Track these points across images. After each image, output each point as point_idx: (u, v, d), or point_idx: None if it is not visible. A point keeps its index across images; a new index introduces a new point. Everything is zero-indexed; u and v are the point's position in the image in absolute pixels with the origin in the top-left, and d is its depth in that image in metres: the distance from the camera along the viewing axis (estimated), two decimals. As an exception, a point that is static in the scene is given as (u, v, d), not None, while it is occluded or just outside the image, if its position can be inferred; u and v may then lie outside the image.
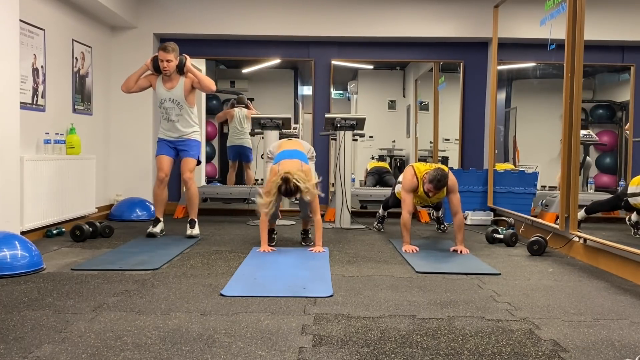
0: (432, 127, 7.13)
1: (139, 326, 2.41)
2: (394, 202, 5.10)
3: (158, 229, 4.79)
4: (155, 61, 4.72)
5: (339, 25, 6.40)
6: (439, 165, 4.57)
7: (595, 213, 4.91)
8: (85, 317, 2.54)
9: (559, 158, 4.35)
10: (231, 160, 7.47)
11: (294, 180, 3.96)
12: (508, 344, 2.27)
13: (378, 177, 7.33)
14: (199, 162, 4.95)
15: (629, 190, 4.39)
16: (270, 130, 5.77)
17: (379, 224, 5.46)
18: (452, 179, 4.35)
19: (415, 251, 4.22)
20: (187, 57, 4.77)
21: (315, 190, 4.11)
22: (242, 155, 7.42)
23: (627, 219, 4.70)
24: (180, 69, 4.72)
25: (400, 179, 4.77)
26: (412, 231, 4.91)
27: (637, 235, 4.55)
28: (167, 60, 4.62)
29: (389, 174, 7.41)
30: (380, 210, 5.49)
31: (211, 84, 4.79)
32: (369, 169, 7.49)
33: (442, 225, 5.36)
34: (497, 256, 4.17)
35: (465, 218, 5.89)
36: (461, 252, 4.22)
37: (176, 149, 4.87)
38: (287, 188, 3.97)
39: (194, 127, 4.90)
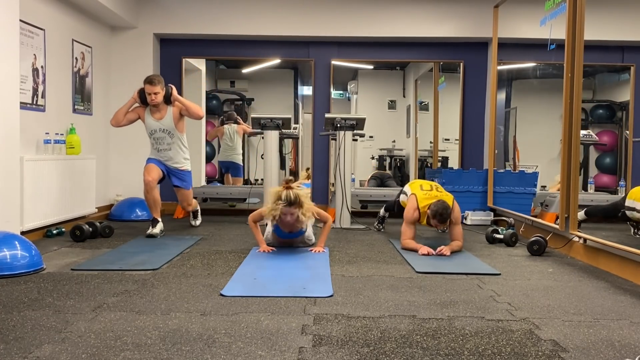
0: (432, 127, 7.13)
1: (139, 326, 2.41)
2: (398, 209, 4.95)
3: (157, 229, 4.79)
4: (142, 94, 4.82)
5: (339, 25, 6.40)
6: (442, 194, 4.41)
7: (594, 216, 4.91)
8: (85, 317, 2.54)
9: (559, 158, 4.35)
10: (224, 172, 7.52)
11: (296, 188, 3.92)
12: (508, 344, 2.27)
13: (380, 182, 7.36)
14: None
15: (627, 203, 4.37)
16: (270, 130, 5.76)
17: (379, 224, 5.46)
18: (456, 211, 4.27)
19: (430, 253, 4.08)
20: (173, 87, 4.88)
21: (311, 214, 4.05)
22: (232, 170, 7.46)
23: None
24: (167, 99, 4.83)
25: (405, 189, 4.72)
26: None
27: (637, 235, 4.55)
28: (155, 93, 4.74)
29: (391, 179, 7.45)
30: (382, 211, 5.48)
31: (199, 111, 4.92)
32: (372, 174, 7.54)
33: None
34: (497, 256, 4.17)
35: (465, 218, 5.90)
36: (441, 251, 4.08)
37: (168, 169, 4.98)
38: (288, 195, 3.87)
39: (186, 154, 5.04)
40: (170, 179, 5.04)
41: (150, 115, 4.85)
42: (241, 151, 7.44)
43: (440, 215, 4.14)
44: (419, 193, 4.39)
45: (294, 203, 3.89)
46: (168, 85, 4.86)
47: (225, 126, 7.44)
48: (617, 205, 4.67)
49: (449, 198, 4.32)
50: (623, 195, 4.72)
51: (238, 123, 7.44)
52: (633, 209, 4.30)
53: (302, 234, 4.26)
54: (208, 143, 7.76)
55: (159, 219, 4.87)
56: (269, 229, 4.27)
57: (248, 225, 5.60)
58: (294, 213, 3.91)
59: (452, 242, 4.28)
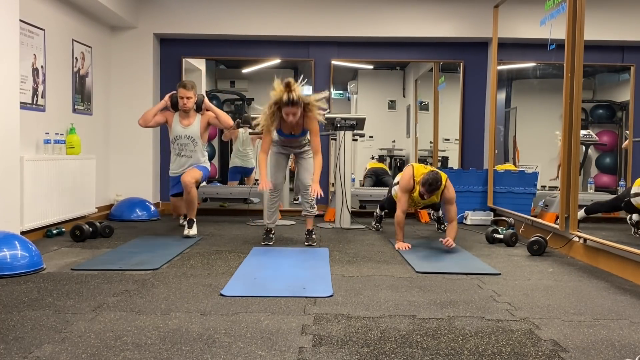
0: (432, 127, 7.13)
1: (139, 326, 2.41)
2: (390, 204, 5.03)
3: (194, 230, 4.79)
4: (173, 97, 4.85)
5: (339, 25, 6.40)
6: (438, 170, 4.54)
7: (595, 213, 4.91)
8: (85, 317, 2.54)
9: (559, 158, 4.35)
10: (232, 181, 7.35)
11: (297, 89, 3.93)
12: (508, 344, 2.27)
13: (376, 179, 7.33)
14: (200, 182, 4.98)
15: (633, 190, 4.38)
16: (270, 130, 5.75)
17: (377, 224, 5.46)
18: (450, 190, 4.34)
19: (407, 248, 4.27)
20: (205, 96, 4.94)
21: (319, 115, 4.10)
22: (244, 174, 7.36)
23: (628, 217, 4.70)
24: (199, 107, 4.88)
25: (396, 179, 4.77)
26: (412, 231, 4.93)
27: (637, 235, 4.55)
28: (187, 97, 4.77)
29: (387, 175, 7.41)
30: (377, 210, 5.49)
31: (229, 120, 4.94)
32: (367, 169, 7.48)
33: (442, 225, 5.36)
34: (497, 256, 4.17)
35: (465, 218, 5.90)
36: (447, 242, 4.19)
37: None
38: (290, 97, 3.90)
39: (204, 159, 5.01)
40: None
41: (179, 121, 4.88)
42: (252, 156, 7.31)
43: (429, 185, 4.18)
44: (415, 165, 4.52)
45: (296, 103, 3.95)
46: (200, 94, 4.93)
47: (240, 130, 7.36)
48: (619, 197, 4.67)
49: (442, 175, 4.37)
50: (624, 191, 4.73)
51: (253, 127, 7.33)
52: (638, 194, 4.30)
53: (304, 134, 4.30)
54: (208, 143, 7.75)
55: (194, 219, 4.83)
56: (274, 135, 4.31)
57: (249, 224, 5.63)
58: (296, 113, 3.98)
59: (449, 228, 4.32)
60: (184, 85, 4.78)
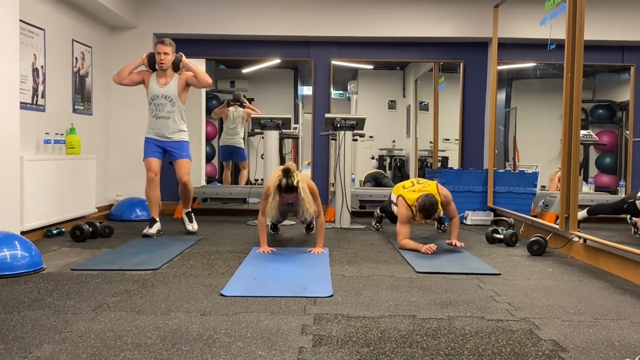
0: (432, 127, 7.13)
1: (139, 326, 2.41)
2: (391, 215, 4.95)
3: (154, 229, 4.78)
4: (151, 57, 4.78)
5: (339, 25, 6.40)
6: (423, 184, 4.47)
7: (597, 214, 4.90)
8: (85, 317, 2.54)
9: (559, 158, 4.35)
10: (224, 161, 7.44)
11: (295, 174, 3.89)
12: (508, 344, 2.27)
13: (375, 184, 7.33)
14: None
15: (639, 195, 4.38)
16: (270, 130, 5.76)
17: (377, 224, 5.46)
18: (444, 193, 4.41)
19: (432, 250, 4.12)
20: (183, 54, 4.84)
21: (310, 196, 4.00)
22: (235, 154, 7.39)
23: (628, 217, 4.69)
24: (176, 66, 4.78)
25: (393, 196, 4.70)
26: (412, 231, 4.92)
27: (638, 235, 4.54)
28: (165, 53, 4.71)
29: (386, 178, 7.43)
30: (377, 210, 5.48)
31: (207, 78, 4.82)
32: (365, 177, 7.49)
33: (442, 225, 5.36)
34: (497, 256, 4.17)
35: (465, 218, 5.90)
36: (455, 244, 4.28)
37: (165, 149, 4.88)
38: (288, 183, 3.86)
39: (183, 126, 4.90)
40: (170, 156, 4.90)
41: (156, 80, 4.78)
42: (242, 135, 7.33)
43: (426, 210, 4.20)
44: (404, 192, 4.45)
45: (295, 189, 3.89)
46: (178, 53, 4.84)
47: (230, 108, 7.31)
48: (624, 199, 4.67)
49: (431, 187, 4.40)
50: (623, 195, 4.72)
51: (243, 106, 7.26)
52: None
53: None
54: (208, 143, 7.75)
55: (157, 219, 4.87)
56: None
57: (249, 224, 5.62)
58: (295, 197, 3.93)
59: (452, 227, 4.37)
60: (161, 42, 4.71)
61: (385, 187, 6.89)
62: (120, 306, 2.71)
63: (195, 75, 4.76)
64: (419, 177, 7.16)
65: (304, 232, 5.05)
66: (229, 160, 7.44)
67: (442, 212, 4.57)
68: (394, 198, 4.66)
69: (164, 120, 4.80)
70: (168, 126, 4.81)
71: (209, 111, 7.68)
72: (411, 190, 4.44)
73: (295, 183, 3.88)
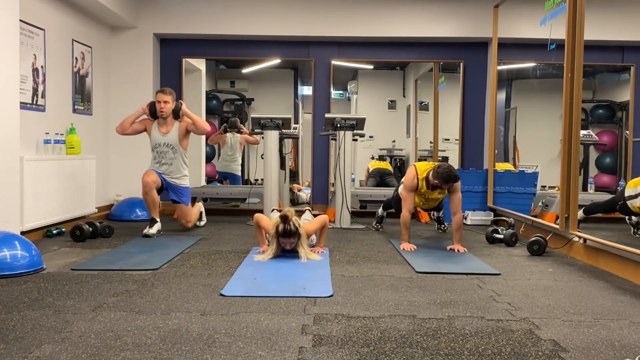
0: (432, 127, 7.12)
1: (139, 326, 2.41)
2: (397, 204, 5.00)
3: (154, 229, 4.80)
4: (152, 106, 4.92)
5: (339, 25, 6.40)
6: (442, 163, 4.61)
7: (593, 214, 4.91)
8: (85, 317, 2.54)
9: (559, 158, 4.35)
10: (222, 181, 7.46)
11: (294, 220, 3.83)
12: (508, 344, 2.27)
13: (379, 180, 7.30)
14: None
15: (627, 193, 4.37)
16: (270, 130, 5.76)
17: (377, 224, 5.46)
18: (459, 184, 4.45)
19: (413, 249, 4.27)
20: (183, 102, 4.95)
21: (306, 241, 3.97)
22: (231, 180, 7.39)
23: (627, 217, 4.69)
24: (176, 114, 4.91)
25: (403, 180, 4.79)
26: (412, 231, 4.93)
27: (637, 235, 4.54)
28: (165, 102, 4.85)
29: (391, 176, 7.39)
30: (380, 210, 5.49)
31: (206, 126, 4.99)
32: (370, 170, 7.46)
33: (442, 225, 5.36)
34: (497, 256, 4.17)
35: (465, 218, 5.90)
36: (458, 250, 4.27)
37: (166, 182, 5.02)
38: (285, 228, 3.80)
39: (186, 170, 5.08)
40: (168, 193, 5.10)
41: (157, 129, 4.94)
42: (240, 162, 7.39)
43: (447, 176, 4.22)
44: (418, 164, 4.58)
45: (293, 234, 3.84)
46: (178, 100, 4.97)
47: (228, 135, 7.32)
48: (615, 199, 4.66)
49: None
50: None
51: (241, 132, 7.29)
52: (632, 197, 4.30)
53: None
54: (208, 144, 7.75)
55: (157, 219, 4.89)
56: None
57: (249, 224, 5.62)
58: (293, 242, 3.88)
59: (455, 227, 4.36)
60: (162, 91, 4.86)
61: (387, 187, 6.88)
62: (120, 306, 2.71)
63: (194, 122, 4.89)
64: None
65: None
66: (225, 181, 7.46)
67: (440, 214, 4.58)
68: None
69: (167, 166, 4.99)
70: (171, 171, 4.99)
71: (209, 111, 7.69)
72: (426, 165, 4.54)
73: (295, 229, 3.81)
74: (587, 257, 4.00)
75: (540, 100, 7.06)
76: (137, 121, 4.96)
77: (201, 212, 5.51)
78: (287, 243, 3.89)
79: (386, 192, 6.38)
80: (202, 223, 5.49)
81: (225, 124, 7.36)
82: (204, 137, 7.44)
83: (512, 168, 6.63)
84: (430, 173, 4.37)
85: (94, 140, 5.90)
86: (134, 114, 4.98)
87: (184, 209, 5.06)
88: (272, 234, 3.89)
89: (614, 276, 3.56)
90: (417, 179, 4.46)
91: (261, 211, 5.84)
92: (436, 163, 4.55)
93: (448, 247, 4.38)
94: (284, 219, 3.82)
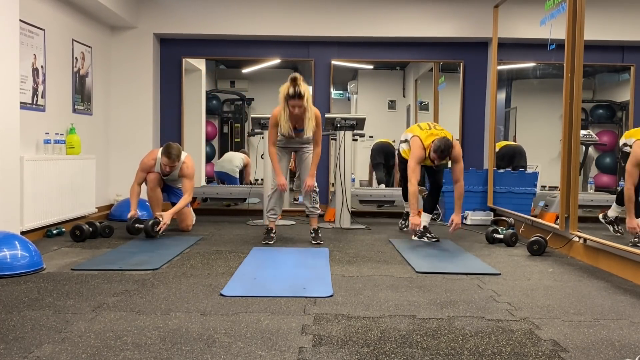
0: (432, 127, 7.11)
1: (139, 326, 2.41)
2: (403, 174, 5.04)
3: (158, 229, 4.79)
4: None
5: (339, 25, 6.40)
6: (440, 129, 4.69)
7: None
8: (85, 317, 2.54)
9: (559, 158, 4.35)
10: (220, 182, 7.50)
11: (301, 83, 4.26)
12: (508, 344, 2.27)
13: (384, 158, 7.13)
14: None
15: (621, 142, 4.36)
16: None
17: (403, 222, 5.46)
18: (457, 149, 4.58)
19: (419, 227, 4.53)
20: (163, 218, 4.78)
21: (314, 109, 4.41)
22: (225, 181, 7.41)
23: (601, 216, 4.62)
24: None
25: (404, 136, 4.94)
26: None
27: (619, 234, 4.51)
28: (171, 167, 4.84)
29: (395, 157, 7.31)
30: (405, 205, 5.35)
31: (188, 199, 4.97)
32: (374, 148, 7.27)
33: (436, 213, 5.28)
34: (497, 256, 4.17)
35: (465, 218, 5.91)
36: (455, 224, 4.52)
37: (168, 187, 5.11)
38: (295, 90, 4.22)
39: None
40: (169, 197, 5.13)
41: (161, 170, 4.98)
42: (239, 170, 7.46)
43: (441, 151, 4.41)
44: (421, 133, 4.64)
45: (301, 96, 4.26)
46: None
47: (236, 154, 7.64)
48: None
49: (448, 135, 4.59)
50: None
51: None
52: (625, 145, 4.28)
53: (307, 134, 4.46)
54: (208, 143, 7.75)
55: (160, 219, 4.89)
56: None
57: (249, 224, 5.62)
58: (301, 105, 4.28)
59: (456, 196, 4.60)
60: (168, 155, 4.74)
61: (389, 188, 6.87)
62: (120, 306, 2.71)
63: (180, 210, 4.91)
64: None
65: (310, 231, 5.05)
66: (222, 182, 7.50)
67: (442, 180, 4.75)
68: (408, 137, 4.80)
69: (170, 182, 5.08)
70: (173, 180, 5.06)
71: (209, 111, 7.69)
72: (428, 133, 4.61)
73: (302, 91, 4.25)
74: (587, 257, 4.00)
75: (540, 100, 7.06)
76: (141, 172, 4.92)
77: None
78: (295, 105, 4.26)
79: (386, 193, 6.38)
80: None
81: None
82: (204, 137, 7.46)
83: (512, 144, 6.60)
84: (432, 147, 4.49)
85: (94, 140, 5.90)
86: (134, 180, 4.94)
87: (184, 212, 5.05)
88: (282, 99, 4.30)
89: (614, 276, 3.56)
90: (424, 149, 4.56)
91: (261, 211, 5.86)
92: (435, 130, 4.62)
93: (448, 223, 4.58)
94: (294, 80, 4.26)
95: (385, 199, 6.36)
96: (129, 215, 4.80)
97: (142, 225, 4.66)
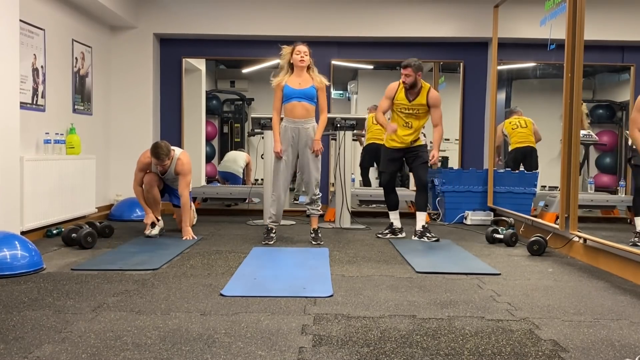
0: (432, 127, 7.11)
1: (139, 326, 2.41)
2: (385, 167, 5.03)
3: (156, 230, 4.80)
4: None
5: (339, 25, 6.40)
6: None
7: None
8: (85, 317, 2.54)
9: (559, 158, 4.35)
10: (223, 182, 7.50)
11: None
12: (508, 344, 2.27)
13: (374, 156, 6.82)
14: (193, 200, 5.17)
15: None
16: (270, 130, 5.74)
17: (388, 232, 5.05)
18: (436, 95, 4.77)
19: (395, 130, 4.71)
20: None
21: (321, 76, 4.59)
22: (230, 181, 7.41)
23: (630, 221, 4.53)
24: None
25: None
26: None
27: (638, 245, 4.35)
28: (163, 166, 4.75)
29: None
30: (390, 215, 5.09)
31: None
32: (366, 148, 7.09)
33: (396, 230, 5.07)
34: (497, 256, 4.17)
35: (465, 218, 5.91)
36: (434, 158, 4.71)
37: (169, 187, 5.04)
38: (300, 47, 4.48)
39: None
40: (170, 198, 5.10)
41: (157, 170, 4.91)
42: (242, 171, 7.47)
43: (407, 65, 4.64)
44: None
45: (306, 45, 4.53)
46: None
47: (238, 152, 7.72)
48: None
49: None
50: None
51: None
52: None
53: (312, 90, 4.54)
54: (208, 143, 7.76)
55: (159, 218, 4.89)
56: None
57: (249, 224, 5.62)
58: (307, 53, 4.50)
59: (435, 137, 4.81)
60: (156, 156, 4.62)
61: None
62: (120, 306, 2.71)
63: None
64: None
65: (310, 231, 5.05)
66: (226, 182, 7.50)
67: (425, 100, 4.78)
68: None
69: (169, 181, 5.01)
70: (173, 181, 4.99)
71: (209, 111, 7.69)
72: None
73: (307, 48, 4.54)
74: (587, 257, 4.00)
75: (540, 100, 7.06)
76: (139, 171, 4.83)
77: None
78: (301, 52, 4.50)
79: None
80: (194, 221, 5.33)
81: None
82: (204, 137, 7.46)
83: (525, 122, 6.46)
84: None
85: (94, 140, 5.90)
86: (134, 179, 4.86)
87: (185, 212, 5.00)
88: (287, 54, 4.52)
89: (614, 276, 3.56)
90: (398, 85, 4.74)
91: (261, 211, 5.86)
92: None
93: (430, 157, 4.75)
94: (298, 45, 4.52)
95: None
96: (146, 221, 4.80)
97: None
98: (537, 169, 6.25)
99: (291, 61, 4.54)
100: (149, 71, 6.41)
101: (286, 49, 4.56)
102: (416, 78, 4.66)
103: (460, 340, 2.30)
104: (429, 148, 5.01)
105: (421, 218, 4.81)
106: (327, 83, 4.63)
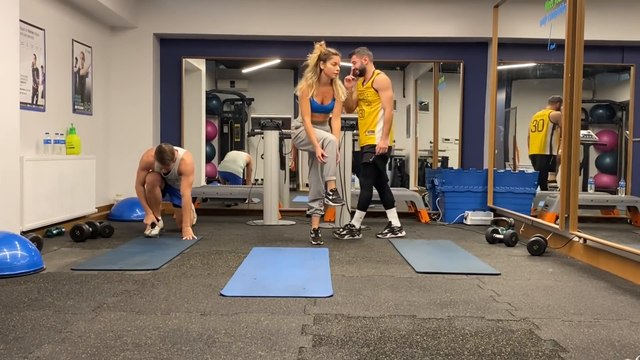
0: (432, 127, 7.13)
1: (139, 326, 2.41)
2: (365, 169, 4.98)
3: (156, 230, 4.80)
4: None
5: (339, 25, 6.40)
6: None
7: None
8: (85, 317, 2.54)
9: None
10: (223, 182, 7.51)
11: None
12: (508, 344, 2.27)
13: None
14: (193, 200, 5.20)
15: None
16: (270, 130, 5.76)
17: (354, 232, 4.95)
18: (381, 78, 4.82)
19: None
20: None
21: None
22: (230, 181, 7.41)
23: None
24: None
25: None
26: (412, 231, 4.93)
27: None
28: (166, 168, 4.80)
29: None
30: (357, 214, 4.99)
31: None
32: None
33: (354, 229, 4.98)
34: (497, 256, 4.17)
35: (465, 218, 5.91)
36: (380, 148, 4.70)
37: (170, 187, 5.05)
38: (330, 50, 4.49)
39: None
40: (171, 198, 5.10)
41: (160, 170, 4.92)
42: (242, 170, 7.47)
43: (352, 51, 4.84)
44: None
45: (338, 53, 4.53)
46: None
47: (238, 153, 7.72)
48: None
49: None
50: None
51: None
52: None
53: (332, 105, 4.63)
54: (208, 143, 7.76)
55: (159, 218, 4.89)
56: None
57: (249, 224, 5.61)
58: (339, 62, 4.52)
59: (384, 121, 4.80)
60: (161, 161, 4.66)
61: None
62: (120, 306, 2.71)
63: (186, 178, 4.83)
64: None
65: (304, 233, 5.06)
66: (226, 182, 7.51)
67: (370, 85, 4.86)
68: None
69: (171, 181, 5.01)
70: (174, 181, 5.00)
71: (208, 111, 7.69)
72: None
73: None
74: (587, 257, 4.00)
75: (540, 100, 7.06)
76: (141, 170, 4.85)
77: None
78: (336, 62, 4.51)
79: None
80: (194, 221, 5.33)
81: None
82: (204, 137, 7.46)
83: (543, 122, 6.44)
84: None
85: (94, 140, 5.90)
86: (137, 179, 4.87)
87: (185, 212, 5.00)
88: (316, 56, 4.52)
89: (614, 276, 3.56)
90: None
91: (261, 211, 5.85)
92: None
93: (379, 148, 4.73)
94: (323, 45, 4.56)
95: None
96: (146, 222, 4.81)
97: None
98: (546, 172, 6.30)
99: (321, 67, 4.54)
100: (149, 71, 6.41)
101: (319, 48, 4.55)
102: (362, 63, 4.87)
103: (460, 340, 2.30)
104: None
105: (357, 216, 4.97)
106: (346, 97, 4.69)
